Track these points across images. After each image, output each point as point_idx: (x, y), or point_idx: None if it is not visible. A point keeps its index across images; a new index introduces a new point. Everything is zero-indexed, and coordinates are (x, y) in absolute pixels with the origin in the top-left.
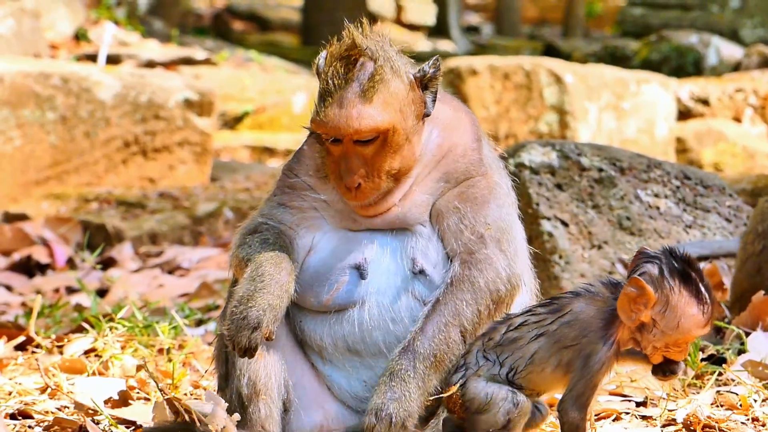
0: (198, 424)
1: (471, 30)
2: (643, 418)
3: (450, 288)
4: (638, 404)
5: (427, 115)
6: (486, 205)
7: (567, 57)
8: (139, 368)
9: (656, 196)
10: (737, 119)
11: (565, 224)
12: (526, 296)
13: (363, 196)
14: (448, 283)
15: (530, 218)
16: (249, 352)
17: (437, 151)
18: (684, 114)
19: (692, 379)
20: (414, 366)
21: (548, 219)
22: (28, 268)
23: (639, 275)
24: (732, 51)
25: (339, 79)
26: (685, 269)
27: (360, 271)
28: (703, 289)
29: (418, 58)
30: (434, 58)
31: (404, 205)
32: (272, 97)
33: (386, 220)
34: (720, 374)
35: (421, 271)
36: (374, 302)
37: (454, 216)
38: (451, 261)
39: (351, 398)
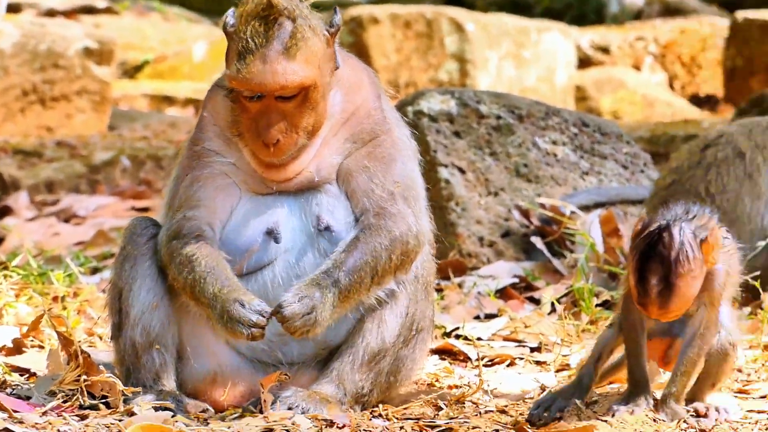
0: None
1: None
2: (537, 363)
3: (369, 231)
4: (532, 349)
5: (337, 68)
6: (393, 163)
7: (470, 5)
8: (35, 318)
9: (554, 143)
10: (637, 67)
11: (462, 171)
12: (426, 253)
13: (281, 152)
14: (365, 226)
15: (428, 165)
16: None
17: (342, 114)
18: (584, 62)
19: (586, 324)
20: (331, 288)
21: (446, 166)
22: None
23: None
24: None
25: (260, 38)
26: None
27: (273, 236)
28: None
29: (318, 6)
30: (335, 9)
31: (314, 167)
32: (173, 46)
33: (297, 183)
34: None
35: (327, 228)
36: (282, 261)
37: (363, 175)
38: (362, 215)
39: (246, 348)
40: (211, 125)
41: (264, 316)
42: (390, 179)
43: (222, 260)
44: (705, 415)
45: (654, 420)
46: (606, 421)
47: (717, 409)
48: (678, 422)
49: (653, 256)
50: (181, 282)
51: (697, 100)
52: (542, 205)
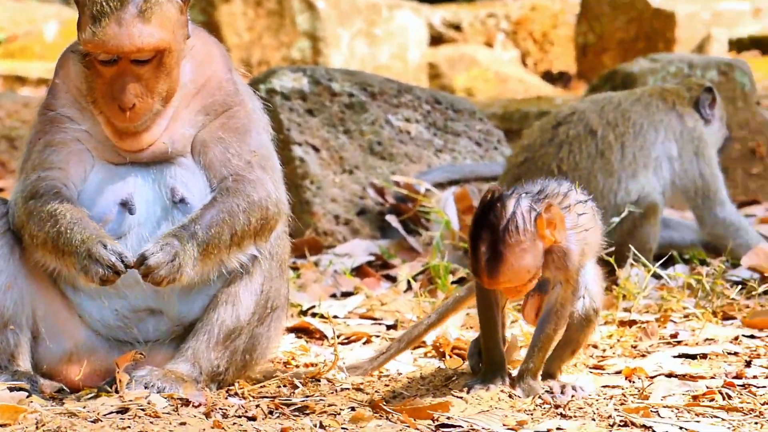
0: None
1: None
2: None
3: (227, 192)
4: (389, 327)
5: (188, 37)
6: (248, 133)
7: None
8: None
9: (407, 120)
10: (489, 45)
11: (316, 149)
12: (281, 231)
13: (136, 117)
14: (224, 189)
15: (281, 144)
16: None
17: (192, 85)
18: (436, 40)
19: (442, 301)
20: (190, 239)
21: (299, 144)
22: None
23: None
24: None
25: (115, 1)
26: None
27: (128, 207)
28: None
29: None
30: None
31: (167, 137)
32: (24, 26)
33: (150, 154)
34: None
35: (182, 200)
36: (136, 233)
37: (219, 146)
38: (221, 182)
39: (102, 326)
40: (64, 92)
41: (124, 261)
42: (246, 149)
43: (86, 213)
44: (562, 393)
45: (510, 396)
46: (461, 397)
47: (573, 387)
48: (533, 398)
49: (484, 225)
50: (41, 238)
51: (549, 77)
52: (397, 183)
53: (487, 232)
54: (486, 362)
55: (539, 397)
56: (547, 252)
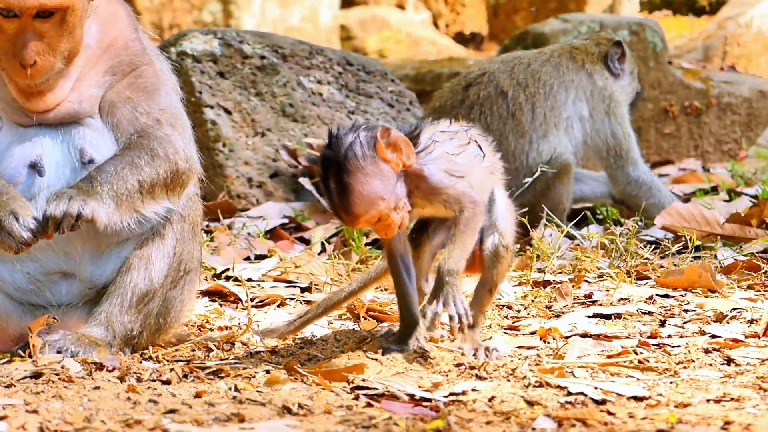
0: None
1: None
2: (308, 303)
3: (128, 147)
4: (303, 290)
5: None
6: (157, 92)
7: None
8: None
9: (319, 82)
10: (401, 6)
11: (228, 112)
12: (194, 187)
13: (38, 74)
14: (127, 144)
15: (193, 107)
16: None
17: (99, 46)
18: (348, 2)
19: (356, 263)
20: (92, 184)
21: (211, 107)
22: None
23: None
24: None
25: None
26: None
27: (37, 169)
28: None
29: None
30: None
31: (74, 98)
32: None
33: (58, 115)
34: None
35: (91, 161)
36: (45, 197)
37: (128, 105)
38: (127, 139)
39: (14, 290)
40: None
41: (35, 236)
42: (155, 107)
43: None
44: (475, 356)
45: (424, 357)
46: (376, 359)
47: (488, 349)
48: (448, 362)
49: (328, 163)
50: None
51: (461, 38)
52: (309, 145)
53: (332, 169)
54: (401, 324)
55: (457, 358)
56: (408, 179)
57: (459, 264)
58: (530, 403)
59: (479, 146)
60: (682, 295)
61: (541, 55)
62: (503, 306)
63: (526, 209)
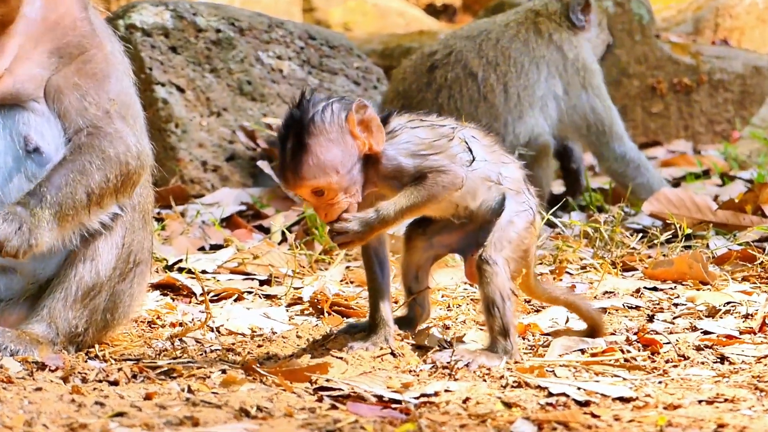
0: None
1: None
2: (268, 297)
3: (78, 150)
4: (262, 282)
5: None
6: (107, 79)
7: None
8: None
9: (279, 58)
10: None
11: (181, 90)
12: (143, 179)
13: None
14: (75, 146)
15: (143, 84)
16: None
17: (43, 22)
18: None
19: (319, 254)
20: (38, 204)
21: (162, 85)
22: None
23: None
24: None
25: None
26: None
27: None
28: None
29: None
30: None
31: (14, 75)
32: None
33: None
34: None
35: (36, 150)
36: None
37: (75, 93)
38: (75, 136)
39: None
40: None
41: None
42: (105, 97)
43: None
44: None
45: (393, 355)
46: (341, 358)
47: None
48: (423, 357)
49: (292, 122)
50: None
51: (433, 10)
52: (269, 126)
53: (293, 128)
54: (369, 319)
55: (430, 359)
56: (369, 166)
57: (389, 210)
58: (508, 405)
59: (469, 149)
60: (671, 288)
61: (508, 29)
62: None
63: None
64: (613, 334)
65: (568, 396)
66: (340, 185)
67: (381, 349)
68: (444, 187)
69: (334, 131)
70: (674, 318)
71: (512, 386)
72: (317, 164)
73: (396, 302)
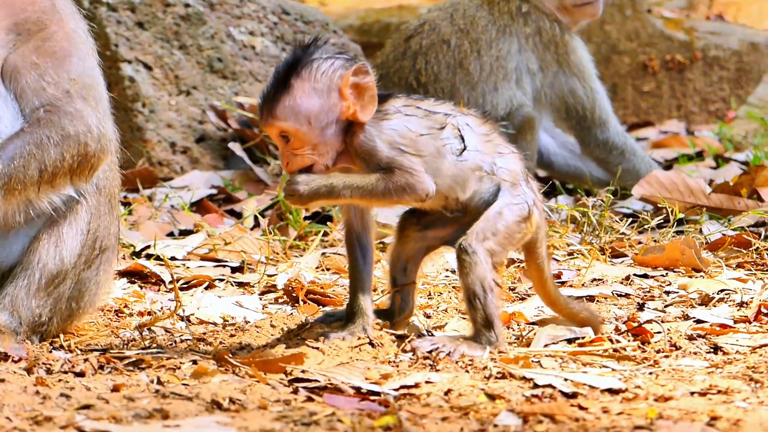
0: None
1: None
2: (240, 285)
3: (37, 123)
4: (234, 269)
5: None
6: (68, 58)
7: None
8: None
9: (251, 34)
10: None
11: (148, 68)
12: (109, 162)
13: None
14: (34, 120)
15: (109, 62)
16: None
17: None
18: None
19: (294, 240)
20: None
21: (129, 62)
22: None
23: None
24: None
25: None
26: None
27: None
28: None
29: None
30: None
31: None
32: None
33: None
34: (326, 234)
35: None
36: None
37: (33, 72)
38: (32, 113)
39: None
40: None
41: None
42: (65, 76)
43: None
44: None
45: (371, 344)
46: (318, 348)
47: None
48: (402, 346)
49: (288, 62)
50: None
51: None
52: (241, 105)
53: (286, 65)
54: (347, 307)
55: (409, 346)
56: (347, 135)
57: (339, 183)
58: (491, 397)
59: (461, 137)
60: (663, 275)
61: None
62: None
63: None
64: (602, 323)
65: (554, 388)
66: (308, 138)
67: (359, 338)
68: (404, 191)
69: (322, 82)
70: (666, 306)
71: (496, 377)
72: (292, 107)
73: (375, 290)
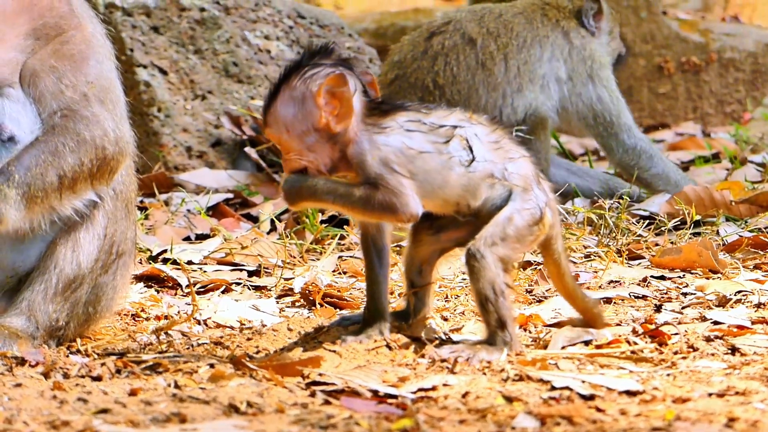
0: None
1: None
2: (257, 288)
3: (52, 131)
4: (251, 273)
5: None
6: (86, 62)
7: None
8: None
9: (266, 38)
10: None
11: (163, 72)
12: (125, 167)
13: None
14: (49, 127)
15: (124, 66)
16: None
17: (18, 3)
18: None
19: (311, 243)
20: (7, 185)
21: (144, 67)
22: None
23: None
24: None
25: None
26: None
27: None
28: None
29: None
30: None
31: None
32: None
33: None
34: (343, 238)
35: (11, 139)
36: None
37: (51, 76)
38: (49, 118)
39: None
40: None
41: None
42: (82, 79)
43: None
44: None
45: (388, 347)
46: (335, 351)
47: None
48: (421, 352)
49: (293, 62)
50: None
51: None
52: (255, 115)
53: (282, 74)
54: (365, 310)
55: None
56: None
57: (321, 186)
58: (509, 399)
59: (470, 148)
60: (680, 277)
61: (512, 7)
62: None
63: None
64: (619, 325)
65: (571, 390)
66: (290, 145)
67: (375, 341)
68: (385, 210)
69: (299, 92)
70: (683, 308)
71: (513, 380)
72: (273, 115)
73: (392, 293)
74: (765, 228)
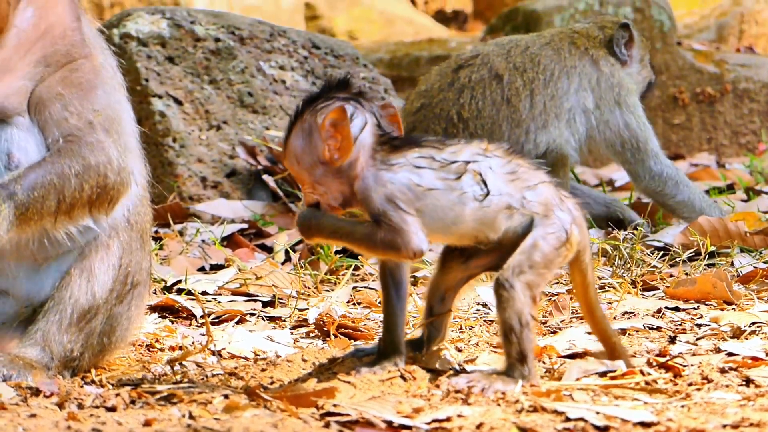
0: None
1: None
2: (271, 319)
3: (58, 154)
4: (265, 304)
5: None
6: (93, 90)
7: None
8: None
9: (281, 68)
10: None
11: (178, 102)
12: (137, 192)
13: None
14: (56, 150)
15: (139, 96)
16: None
17: (33, 32)
18: None
19: (325, 274)
20: (5, 200)
21: (160, 97)
22: None
23: None
24: None
25: None
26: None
27: None
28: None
29: None
30: None
31: (1, 90)
32: None
33: None
34: (357, 269)
35: (18, 167)
36: None
37: (57, 103)
38: (55, 143)
39: None
40: None
41: None
42: (88, 107)
43: None
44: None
45: (403, 378)
46: (349, 382)
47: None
48: (436, 382)
49: (313, 93)
50: None
51: (442, 17)
52: (270, 148)
53: (300, 107)
54: (380, 341)
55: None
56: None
57: (328, 223)
58: (524, 431)
59: (483, 182)
60: (694, 308)
61: (539, 38)
62: (492, 321)
63: None
64: (634, 356)
65: (586, 421)
66: (302, 177)
67: (390, 372)
68: (388, 248)
69: (307, 124)
70: (697, 339)
71: (528, 411)
72: (288, 147)
73: (407, 324)
74: None
